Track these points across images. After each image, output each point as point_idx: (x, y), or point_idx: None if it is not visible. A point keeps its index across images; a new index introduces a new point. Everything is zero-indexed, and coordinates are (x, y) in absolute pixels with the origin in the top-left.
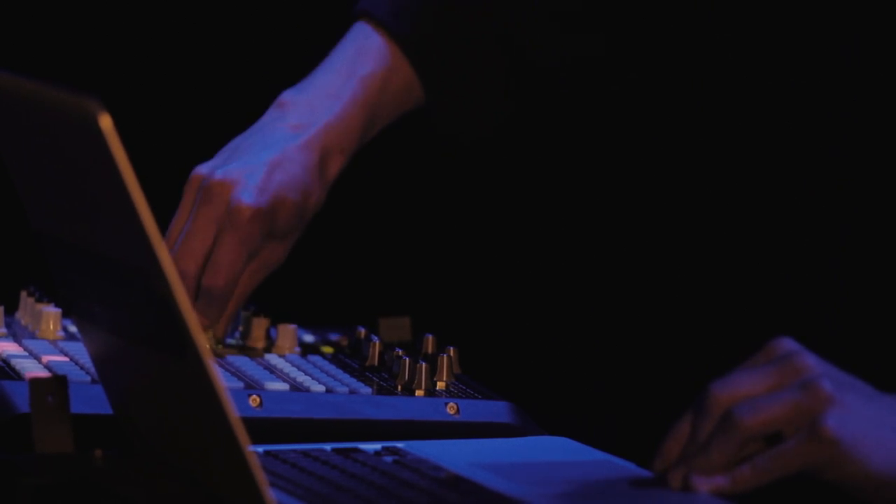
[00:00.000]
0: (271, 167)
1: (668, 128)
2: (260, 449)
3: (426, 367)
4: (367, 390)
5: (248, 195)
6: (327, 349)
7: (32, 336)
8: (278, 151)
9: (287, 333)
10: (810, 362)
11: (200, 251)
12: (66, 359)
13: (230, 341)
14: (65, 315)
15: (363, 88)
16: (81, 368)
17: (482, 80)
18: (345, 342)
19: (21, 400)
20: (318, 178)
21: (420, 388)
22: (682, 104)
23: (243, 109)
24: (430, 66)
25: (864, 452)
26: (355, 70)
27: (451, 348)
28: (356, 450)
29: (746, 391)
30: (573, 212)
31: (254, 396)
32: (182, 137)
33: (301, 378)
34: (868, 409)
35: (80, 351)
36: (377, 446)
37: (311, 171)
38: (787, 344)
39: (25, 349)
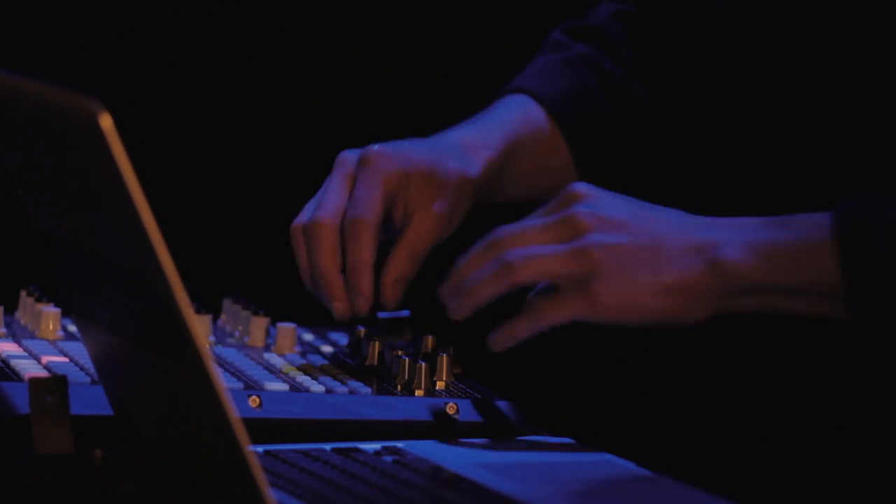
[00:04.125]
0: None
1: (664, 126)
2: (260, 449)
3: (426, 367)
4: (366, 390)
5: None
6: (327, 349)
7: (32, 336)
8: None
9: (287, 333)
10: (586, 221)
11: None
12: (66, 359)
13: (230, 341)
14: (65, 315)
15: (498, 114)
16: (81, 369)
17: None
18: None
19: (21, 400)
20: (460, 161)
21: (420, 388)
22: (678, 101)
23: (243, 109)
24: (568, 116)
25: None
26: (496, 107)
27: (451, 348)
28: (356, 450)
29: (528, 242)
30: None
31: (253, 397)
32: (182, 137)
33: (301, 378)
34: (643, 252)
35: (80, 351)
36: (377, 446)
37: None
38: (576, 190)
39: (25, 349)
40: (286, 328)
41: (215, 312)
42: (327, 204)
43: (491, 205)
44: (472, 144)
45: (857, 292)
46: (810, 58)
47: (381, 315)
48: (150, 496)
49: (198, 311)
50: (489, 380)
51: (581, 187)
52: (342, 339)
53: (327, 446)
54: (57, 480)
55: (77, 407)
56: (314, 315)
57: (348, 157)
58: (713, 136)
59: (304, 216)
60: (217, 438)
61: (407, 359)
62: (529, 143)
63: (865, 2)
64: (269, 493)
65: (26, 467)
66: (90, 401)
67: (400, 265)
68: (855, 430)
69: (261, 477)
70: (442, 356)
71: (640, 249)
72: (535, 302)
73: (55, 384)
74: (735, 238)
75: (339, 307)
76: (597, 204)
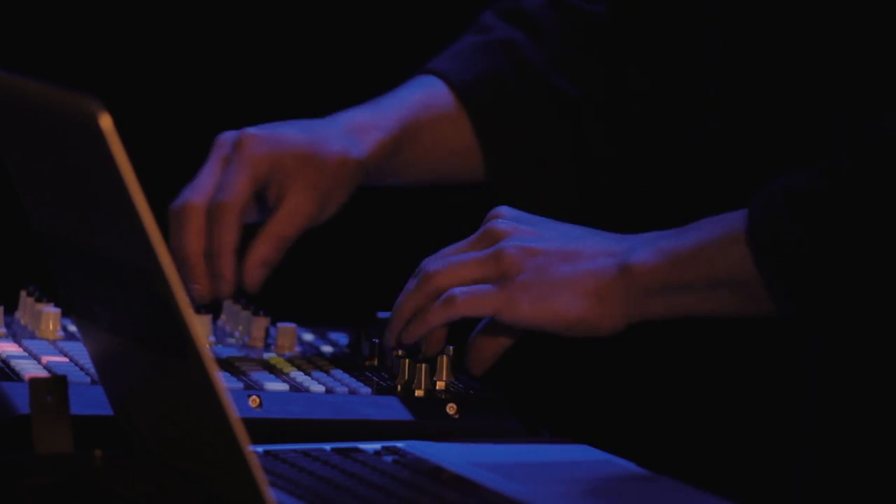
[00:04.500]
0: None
1: (664, 125)
2: (260, 449)
3: (426, 367)
4: (366, 390)
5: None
6: (327, 349)
7: (32, 336)
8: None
9: (287, 333)
10: (502, 229)
11: None
12: (66, 359)
13: (230, 341)
14: (65, 315)
15: (401, 95)
16: (81, 369)
17: (537, 133)
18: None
19: (21, 400)
20: (343, 143)
21: (420, 388)
22: (677, 101)
23: (243, 109)
24: (477, 102)
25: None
26: (401, 88)
27: (451, 348)
28: (356, 450)
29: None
30: (573, 209)
31: (254, 397)
32: (182, 137)
33: (301, 378)
34: (558, 253)
35: (80, 351)
36: (377, 446)
37: (328, 134)
38: (496, 211)
39: (25, 349)
40: (286, 328)
41: (215, 312)
42: (198, 187)
43: (391, 187)
44: (363, 125)
45: (770, 272)
46: (810, 58)
47: (381, 315)
48: (150, 496)
49: (198, 311)
50: (489, 380)
51: (501, 209)
52: (342, 339)
53: (327, 446)
54: (57, 480)
55: (77, 407)
56: (314, 315)
57: (225, 140)
58: (713, 136)
59: (179, 199)
60: (217, 438)
61: (407, 359)
62: (431, 126)
63: (865, 2)
64: (269, 493)
65: (26, 467)
66: (90, 401)
67: (264, 248)
68: (852, 429)
69: (261, 477)
70: (442, 356)
71: (555, 250)
72: (454, 293)
73: (55, 384)
74: (644, 244)
75: (198, 289)
76: (516, 218)
